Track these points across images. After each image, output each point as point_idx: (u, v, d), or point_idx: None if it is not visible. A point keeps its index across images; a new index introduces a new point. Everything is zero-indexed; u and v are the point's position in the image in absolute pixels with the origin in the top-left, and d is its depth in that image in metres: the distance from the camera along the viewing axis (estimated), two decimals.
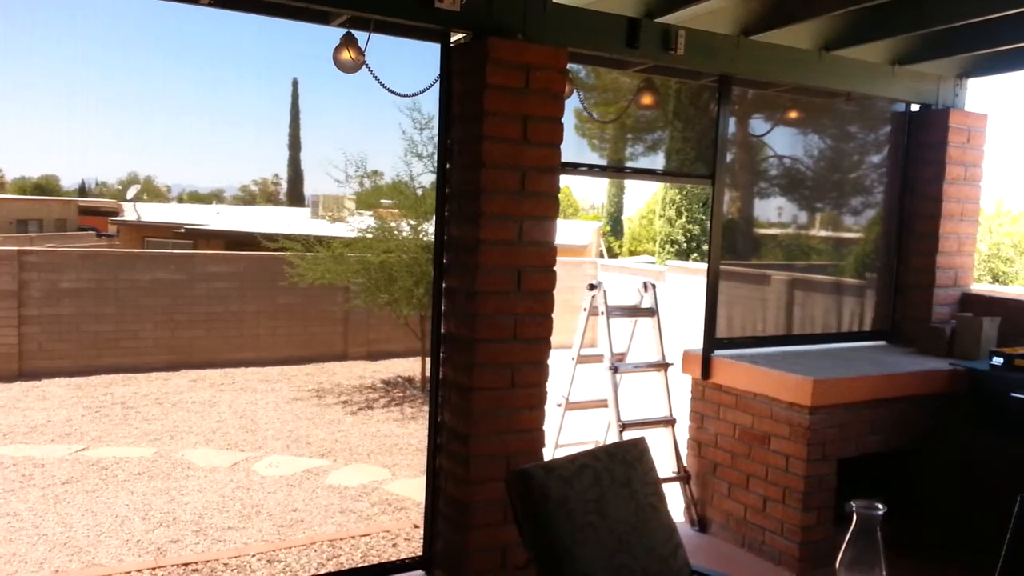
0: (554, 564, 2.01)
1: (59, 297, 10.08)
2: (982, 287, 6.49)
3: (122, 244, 19.12)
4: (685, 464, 4.49)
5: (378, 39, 3.30)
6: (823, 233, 4.88)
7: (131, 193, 24.44)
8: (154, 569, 4.10)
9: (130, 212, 21.94)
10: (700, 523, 4.38)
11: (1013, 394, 3.91)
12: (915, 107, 4.80)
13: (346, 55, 3.27)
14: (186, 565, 4.18)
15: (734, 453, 4.18)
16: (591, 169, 4.03)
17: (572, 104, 3.80)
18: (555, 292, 3.51)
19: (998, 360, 4.06)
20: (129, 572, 4.05)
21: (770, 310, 4.61)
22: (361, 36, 3.29)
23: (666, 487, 2.45)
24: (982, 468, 4.03)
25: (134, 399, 8.80)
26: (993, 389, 4.03)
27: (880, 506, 1.78)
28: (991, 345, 4.37)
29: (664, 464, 4.05)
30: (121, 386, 9.41)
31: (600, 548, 2.07)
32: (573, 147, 3.82)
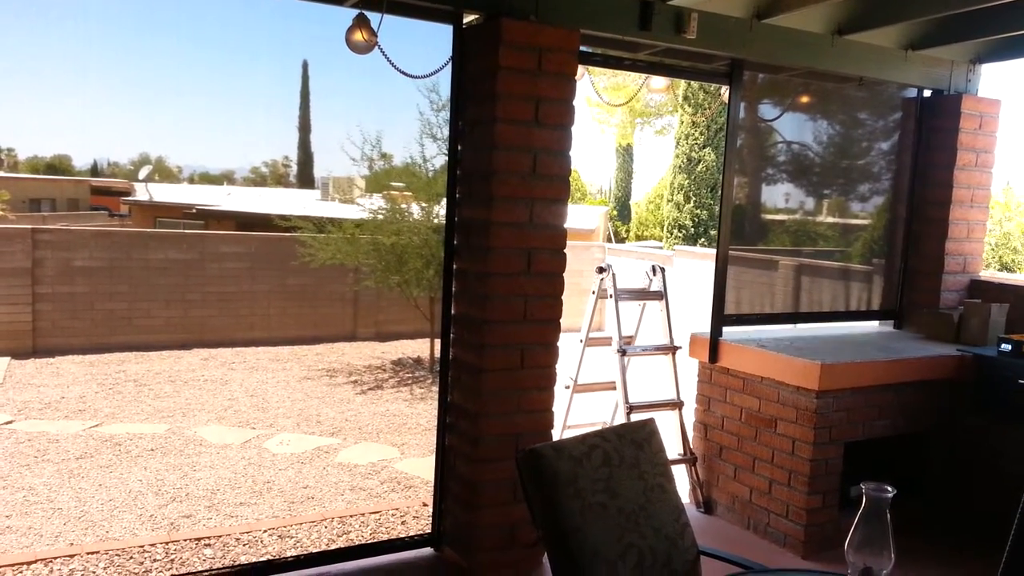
0: (563, 542, 2.04)
1: (72, 275, 10.15)
2: (991, 274, 6.47)
3: (134, 224, 19.22)
4: (691, 446, 4.53)
5: (390, 20, 3.31)
6: (831, 219, 4.87)
7: (143, 173, 24.53)
8: (167, 543, 4.16)
9: (142, 192, 22.05)
10: (705, 505, 4.42)
11: (1021, 380, 3.92)
12: (927, 92, 4.77)
13: (358, 36, 3.28)
14: (199, 540, 4.24)
15: (740, 436, 4.21)
16: (607, 60, 4.02)
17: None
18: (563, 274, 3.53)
19: (1006, 346, 4.07)
20: (143, 546, 4.10)
21: (778, 295, 4.62)
22: (373, 17, 3.29)
23: (672, 469, 2.48)
24: (989, 454, 4.06)
25: (147, 376, 8.88)
26: (1000, 375, 4.03)
27: (890, 488, 1.77)
28: (999, 331, 4.37)
29: (671, 446, 4.08)
30: (134, 364, 9.50)
31: (609, 527, 2.11)
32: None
